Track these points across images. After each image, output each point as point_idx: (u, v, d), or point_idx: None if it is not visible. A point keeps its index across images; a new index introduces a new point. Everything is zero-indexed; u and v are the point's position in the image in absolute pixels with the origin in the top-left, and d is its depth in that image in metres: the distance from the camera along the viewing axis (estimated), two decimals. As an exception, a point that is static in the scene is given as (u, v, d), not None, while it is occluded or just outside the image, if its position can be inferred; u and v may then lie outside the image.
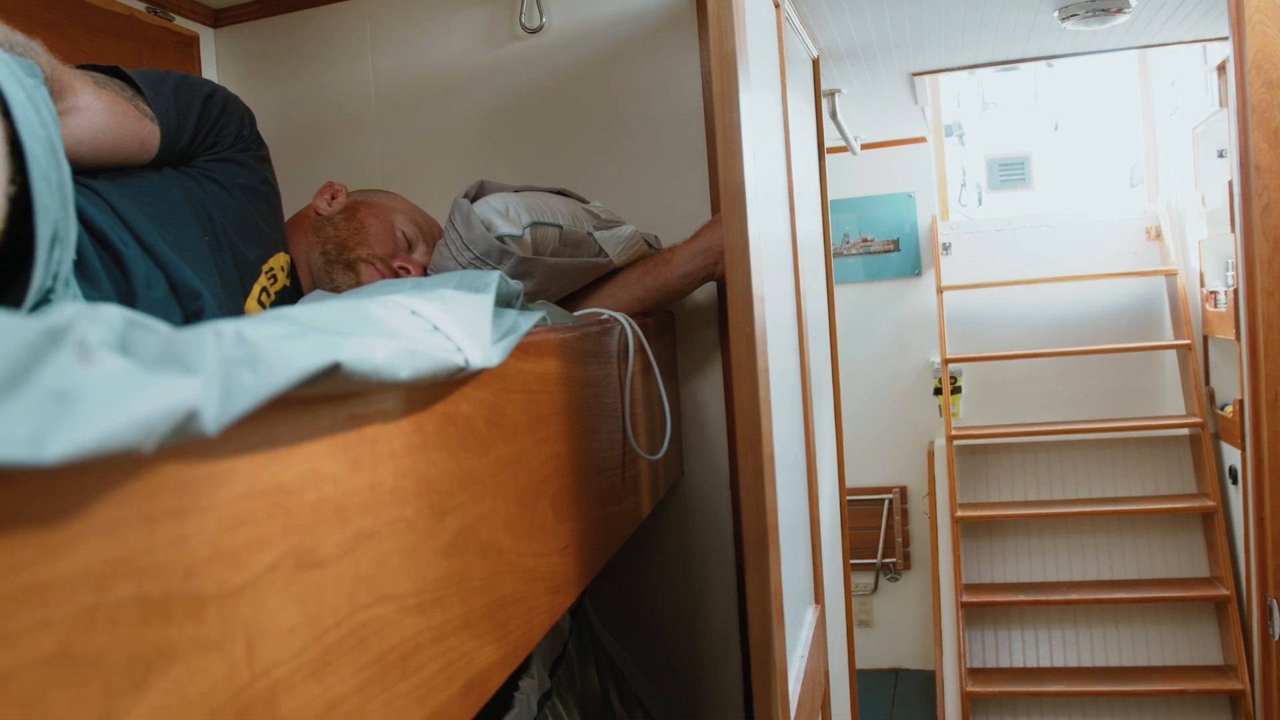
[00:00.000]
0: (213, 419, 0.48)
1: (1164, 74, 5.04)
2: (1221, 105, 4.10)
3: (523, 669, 1.38)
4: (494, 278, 1.09)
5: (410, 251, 1.72)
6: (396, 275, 1.68)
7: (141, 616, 0.50)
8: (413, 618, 0.80)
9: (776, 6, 1.90)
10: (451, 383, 0.89)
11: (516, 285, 1.21)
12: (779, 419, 1.55)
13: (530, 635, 1.09)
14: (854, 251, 5.12)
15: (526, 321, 1.09)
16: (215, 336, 0.51)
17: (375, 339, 0.66)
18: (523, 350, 1.09)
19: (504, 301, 1.18)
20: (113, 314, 0.47)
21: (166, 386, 0.45)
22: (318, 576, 0.67)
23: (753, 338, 1.25)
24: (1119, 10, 3.21)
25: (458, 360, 0.79)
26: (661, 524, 2.11)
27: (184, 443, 0.49)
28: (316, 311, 0.66)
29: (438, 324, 0.78)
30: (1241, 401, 1.79)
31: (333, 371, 0.59)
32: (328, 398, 0.68)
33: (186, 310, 1.32)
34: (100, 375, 0.43)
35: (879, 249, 5.08)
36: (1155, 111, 5.20)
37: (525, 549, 1.08)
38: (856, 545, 4.85)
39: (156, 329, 0.49)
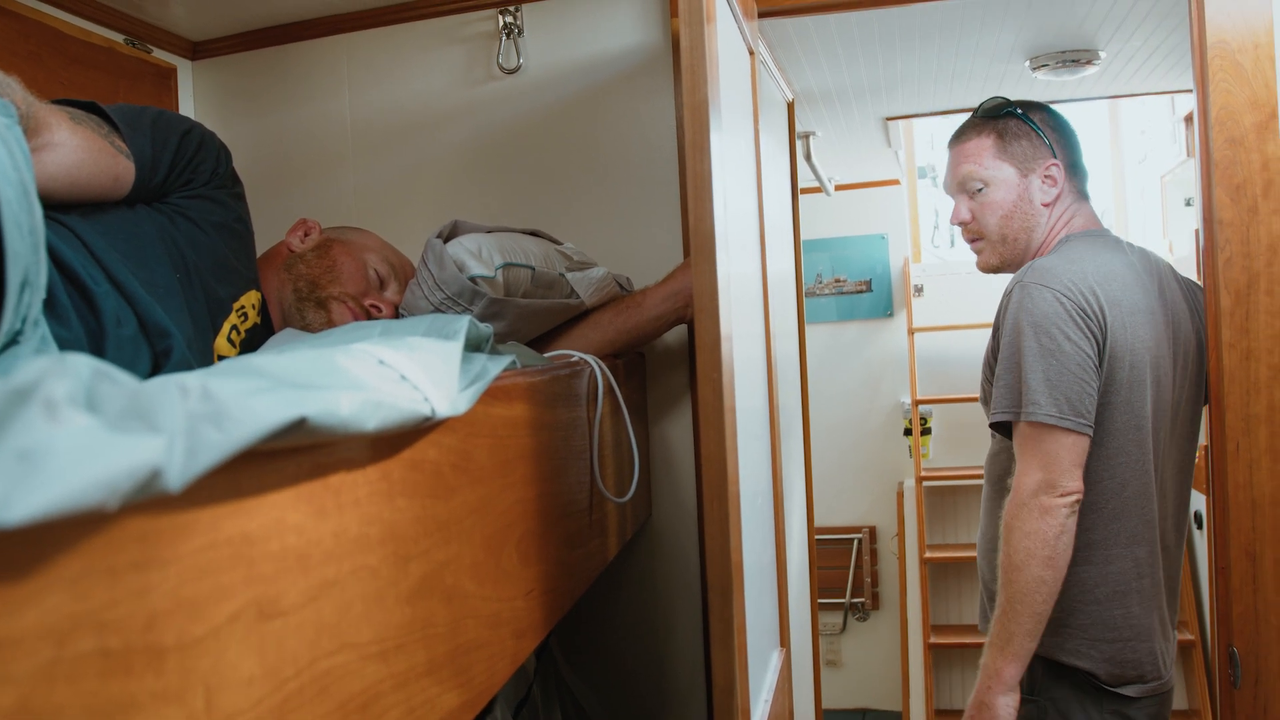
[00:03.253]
0: (176, 477, 0.49)
1: (1133, 123, 5.13)
2: (1189, 155, 4.17)
3: (486, 711, 1.38)
4: (464, 323, 1.10)
5: (383, 290, 1.73)
6: (368, 314, 1.68)
7: (102, 670, 0.50)
8: (374, 665, 0.81)
9: (751, 53, 1.93)
10: (419, 430, 0.89)
11: (486, 329, 1.22)
12: (747, 460, 1.56)
13: (493, 680, 1.09)
14: (827, 291, 5.15)
15: (495, 366, 1.10)
16: (181, 393, 0.52)
17: (341, 392, 0.67)
18: (491, 395, 1.10)
19: (474, 346, 1.19)
20: (81, 366, 0.47)
21: (131, 446, 0.46)
22: (279, 626, 0.67)
23: (720, 383, 1.26)
24: (1089, 62, 3.27)
25: (424, 410, 0.79)
26: (630, 565, 2.11)
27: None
28: (284, 363, 0.66)
29: (405, 374, 0.79)
30: (1208, 447, 1.81)
31: (298, 426, 0.60)
32: (293, 448, 0.68)
33: (156, 349, 1.32)
34: (66, 434, 0.43)
35: (852, 289, 5.12)
36: (1125, 159, 5.28)
37: (490, 594, 1.08)
38: (825, 585, 4.85)
39: (122, 383, 0.49)
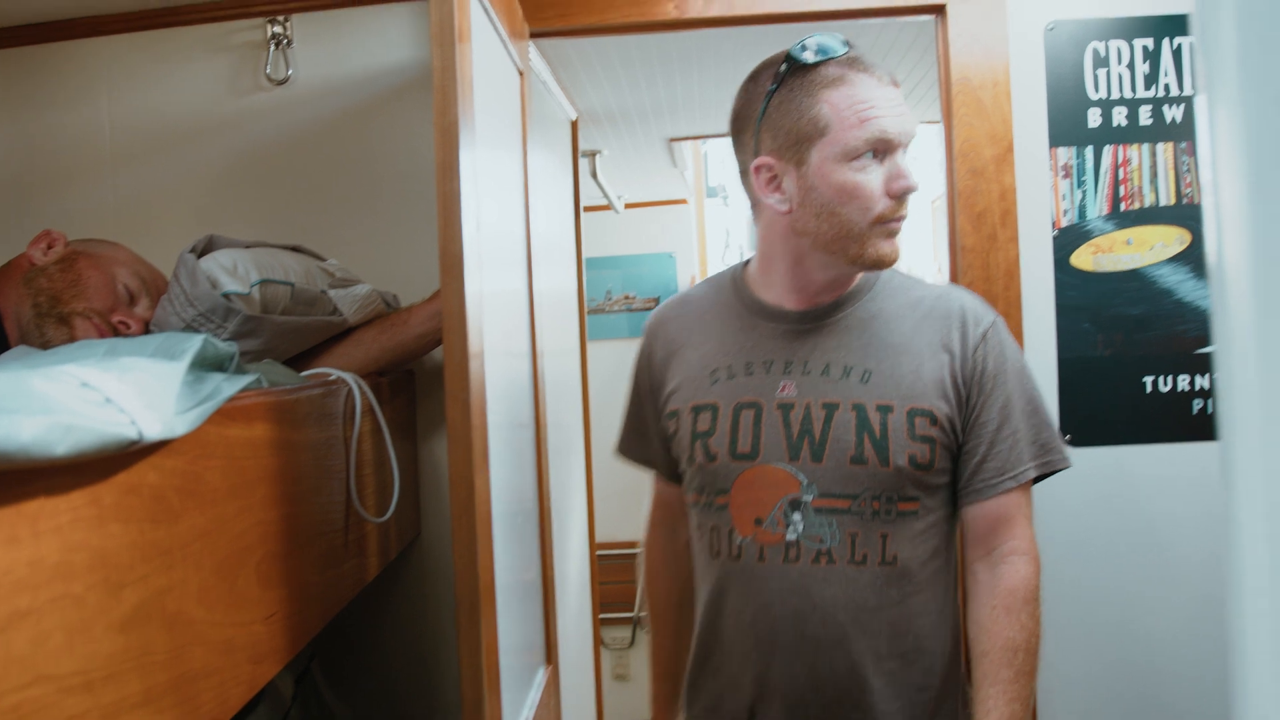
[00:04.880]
0: None
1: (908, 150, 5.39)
2: (952, 183, 4.40)
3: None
4: (195, 343, 1.08)
5: (132, 306, 1.66)
6: (116, 330, 1.62)
7: None
8: (77, 697, 0.78)
9: (521, 74, 1.95)
10: (135, 452, 0.87)
11: (228, 348, 1.19)
12: (505, 478, 1.57)
13: (225, 708, 1.07)
14: (617, 308, 5.22)
15: (231, 387, 1.08)
16: None
17: (25, 416, 0.65)
18: (226, 415, 1.08)
19: (214, 365, 1.16)
20: None
21: None
22: (-45, 661, 0.64)
23: (468, 403, 1.27)
24: (855, 92, 3.43)
25: (129, 433, 0.78)
26: (397, 584, 2.09)
27: None
28: (-38, 387, 0.64)
29: (111, 396, 0.77)
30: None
31: (-34, 452, 0.58)
32: (-25, 475, 0.66)
33: None
34: None
35: (640, 306, 5.20)
36: (898, 184, 5.54)
37: (222, 619, 1.06)
38: (612, 599, 4.89)
39: None
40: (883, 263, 1.43)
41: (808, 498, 1.43)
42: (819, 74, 1.40)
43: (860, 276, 1.52)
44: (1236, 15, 0.43)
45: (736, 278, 1.61)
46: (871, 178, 1.38)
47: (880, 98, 1.38)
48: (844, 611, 1.42)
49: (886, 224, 1.40)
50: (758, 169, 1.45)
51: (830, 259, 1.45)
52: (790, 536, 1.43)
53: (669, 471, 1.68)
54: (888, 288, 1.53)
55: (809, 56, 1.41)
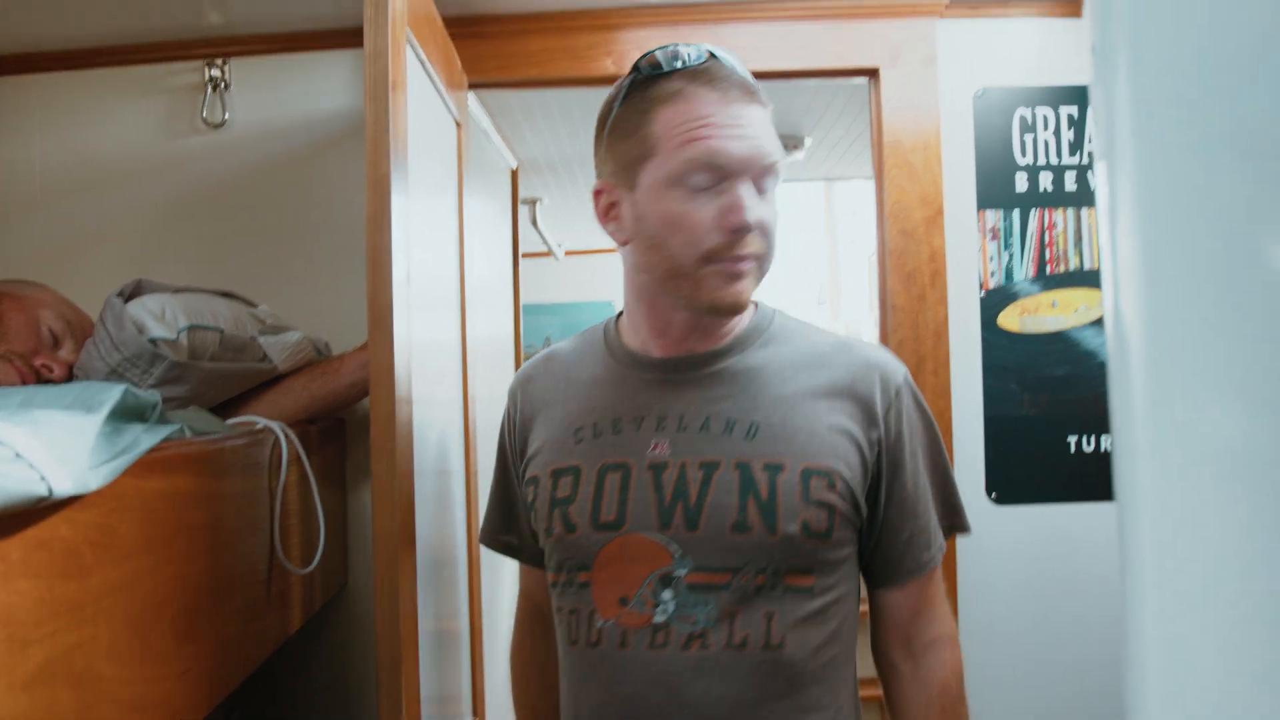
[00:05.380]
0: None
1: (845, 205, 5.48)
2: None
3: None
4: (114, 394, 1.06)
5: (56, 349, 1.64)
6: (38, 373, 1.59)
7: None
8: (-25, 760, 0.76)
9: (459, 124, 1.96)
10: (46, 507, 0.86)
11: (150, 397, 1.18)
12: (433, 527, 1.56)
13: (136, 766, 1.04)
14: (556, 354, 5.23)
15: (150, 438, 1.06)
16: None
17: (-73, 474, 0.63)
18: (144, 467, 1.07)
19: (136, 414, 1.15)
20: None
21: None
22: None
23: (394, 454, 1.27)
24: (795, 146, 3.49)
25: (38, 490, 0.77)
26: (323, 634, 2.06)
27: None
28: None
29: (20, 450, 0.76)
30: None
31: None
32: None
33: None
34: None
35: (580, 352, 5.22)
36: (838, 238, 5.63)
37: (134, 675, 1.04)
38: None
39: None
40: (719, 308, 1.20)
41: (681, 572, 1.19)
42: (659, 88, 1.19)
43: (746, 320, 1.30)
44: (1130, 86, 0.45)
45: (609, 327, 1.39)
46: (700, 208, 1.15)
47: (720, 115, 1.15)
48: (718, 708, 1.18)
49: (721, 263, 1.17)
50: (596, 194, 1.27)
51: (676, 300, 1.23)
52: (659, 618, 1.19)
53: (536, 557, 1.42)
54: (781, 333, 1.30)
55: (647, 67, 1.20)
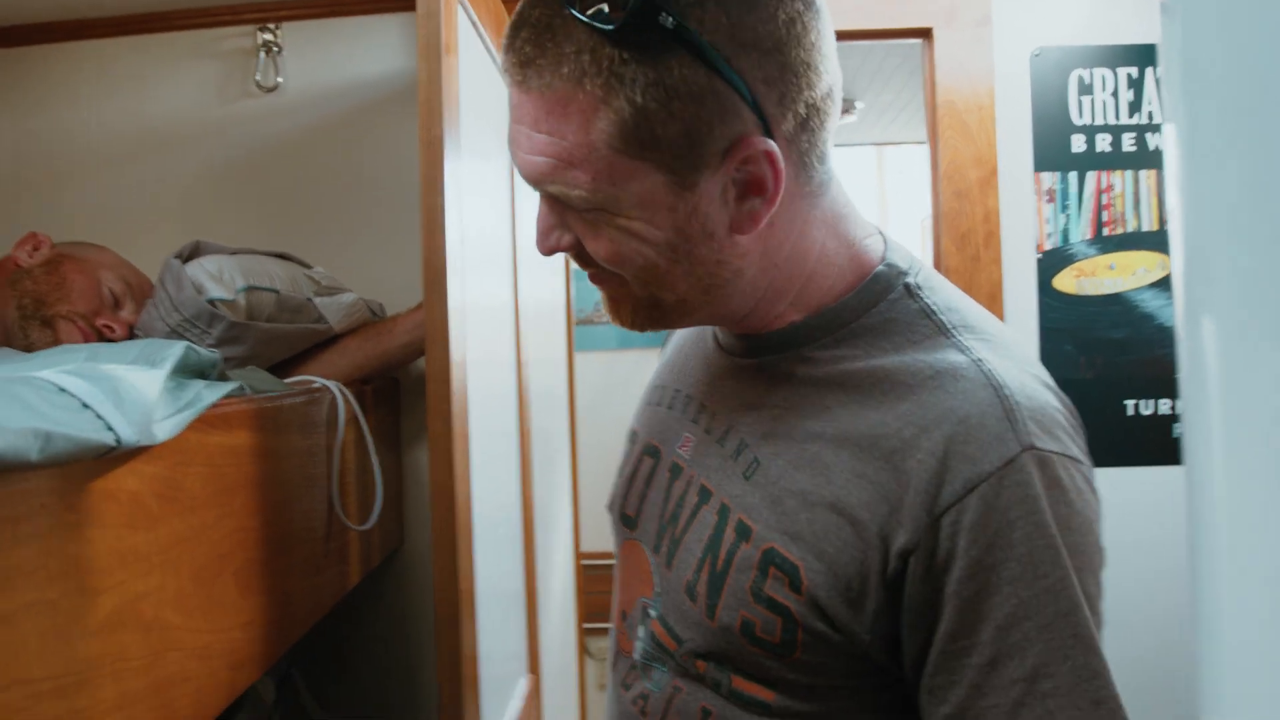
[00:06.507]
0: None
1: (897, 168, 5.43)
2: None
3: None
4: (176, 350, 1.08)
5: (117, 309, 1.66)
6: (100, 334, 1.62)
7: None
8: (50, 702, 0.78)
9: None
10: (113, 459, 0.87)
11: (211, 356, 1.20)
12: (488, 489, 1.58)
13: (202, 713, 1.07)
14: (605, 320, 5.22)
15: (212, 394, 1.08)
16: None
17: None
18: (207, 423, 1.08)
19: (197, 372, 1.17)
20: None
21: None
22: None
23: (449, 414, 1.28)
24: (847, 110, 3.46)
25: (107, 440, 0.78)
26: (379, 593, 2.09)
27: None
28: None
29: (88, 401, 0.77)
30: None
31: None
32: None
33: None
34: None
35: (629, 318, 5.20)
36: (889, 203, 5.58)
37: (200, 625, 1.06)
38: (598, 609, 4.88)
39: None
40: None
41: (653, 613, 0.93)
42: None
43: (834, 296, 0.87)
44: (1190, 49, 0.44)
45: None
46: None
47: (512, 115, 0.82)
48: None
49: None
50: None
51: None
52: (636, 654, 0.96)
53: None
54: (879, 326, 0.86)
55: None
